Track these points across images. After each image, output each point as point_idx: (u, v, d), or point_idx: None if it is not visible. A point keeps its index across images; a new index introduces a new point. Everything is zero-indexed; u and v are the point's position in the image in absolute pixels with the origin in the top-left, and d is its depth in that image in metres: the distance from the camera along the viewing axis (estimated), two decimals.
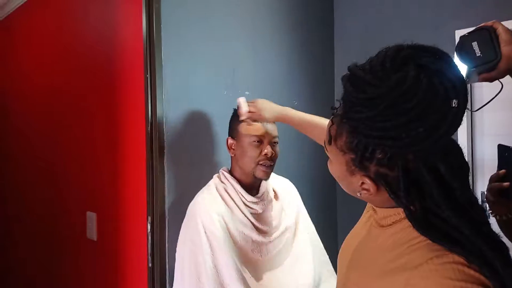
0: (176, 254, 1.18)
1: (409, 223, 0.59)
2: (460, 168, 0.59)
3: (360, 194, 0.64)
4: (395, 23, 1.91)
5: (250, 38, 1.63)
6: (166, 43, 1.29)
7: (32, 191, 2.04)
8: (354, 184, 0.63)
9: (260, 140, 1.18)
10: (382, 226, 0.66)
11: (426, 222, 0.57)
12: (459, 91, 0.54)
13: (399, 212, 0.63)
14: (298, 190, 1.38)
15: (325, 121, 1.09)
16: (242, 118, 1.18)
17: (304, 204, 1.37)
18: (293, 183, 1.40)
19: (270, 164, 1.19)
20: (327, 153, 0.68)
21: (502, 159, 1.01)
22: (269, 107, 1.17)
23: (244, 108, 1.17)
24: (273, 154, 1.19)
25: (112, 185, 1.47)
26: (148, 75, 1.27)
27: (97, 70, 1.56)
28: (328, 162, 0.69)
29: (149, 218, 1.27)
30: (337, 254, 0.80)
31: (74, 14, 1.71)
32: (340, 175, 0.66)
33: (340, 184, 0.68)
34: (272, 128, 1.20)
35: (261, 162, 1.17)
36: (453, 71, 0.55)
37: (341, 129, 0.61)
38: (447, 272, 0.52)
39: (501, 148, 1.01)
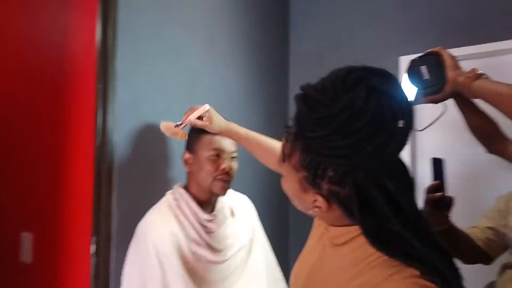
0: (123, 275, 1.12)
1: (365, 240, 0.60)
2: (407, 184, 0.61)
3: (313, 211, 0.64)
4: (346, 46, 2.02)
5: (209, 55, 1.63)
6: (121, 54, 1.24)
7: None
8: (307, 201, 0.63)
9: (218, 155, 1.16)
10: (336, 245, 0.66)
11: (380, 237, 0.58)
12: (406, 112, 0.56)
13: (352, 231, 0.63)
14: (256, 207, 1.37)
15: (267, 140, 1.13)
16: (187, 122, 1.13)
17: (260, 220, 1.36)
18: (250, 199, 1.38)
19: (228, 179, 1.17)
20: (280, 171, 0.68)
21: (436, 171, 1.08)
22: (218, 119, 1.15)
23: (197, 114, 1.13)
24: (231, 169, 1.17)
25: (53, 202, 1.36)
26: (101, 85, 1.21)
27: (45, 77, 1.46)
28: (282, 179, 0.69)
29: (94, 238, 1.18)
30: (290, 271, 0.79)
31: (24, 16, 1.59)
32: (293, 192, 0.66)
33: (293, 201, 0.68)
34: (230, 143, 1.18)
35: (218, 177, 1.15)
36: (400, 93, 0.57)
37: (294, 147, 0.62)
38: (407, 287, 0.54)
39: (434, 161, 1.09)
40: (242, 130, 1.15)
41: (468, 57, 1.68)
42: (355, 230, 0.62)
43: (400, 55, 1.83)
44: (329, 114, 0.55)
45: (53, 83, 1.42)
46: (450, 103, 0.96)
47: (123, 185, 1.25)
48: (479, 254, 1.12)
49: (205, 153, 1.15)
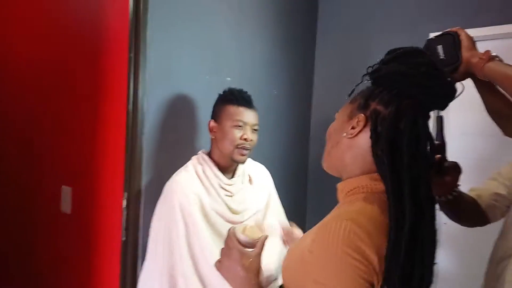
0: (151, 230, 1.22)
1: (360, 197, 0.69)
2: (425, 145, 0.70)
3: (346, 134, 0.73)
4: (375, 22, 1.98)
5: (236, 27, 1.66)
6: (152, 24, 1.31)
7: (7, 164, 2.02)
8: (345, 128, 0.74)
9: (241, 125, 1.23)
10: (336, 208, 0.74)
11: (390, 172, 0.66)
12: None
13: (362, 185, 0.71)
14: (272, 177, 1.45)
15: None
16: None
17: (276, 189, 1.44)
18: (268, 169, 1.46)
19: (248, 149, 1.25)
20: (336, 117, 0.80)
21: (438, 130, 1.00)
22: None
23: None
24: (251, 140, 1.25)
25: (90, 160, 1.49)
26: (132, 55, 1.29)
27: (81, 46, 1.55)
28: (330, 125, 0.79)
29: (126, 194, 1.30)
30: None
31: None
32: (336, 127, 0.77)
33: (327, 145, 0.78)
34: (253, 116, 1.26)
35: (239, 146, 1.23)
36: None
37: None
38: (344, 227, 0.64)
39: (437, 119, 1.01)
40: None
41: (498, 37, 1.64)
42: (363, 186, 0.70)
43: (430, 32, 1.79)
44: (398, 54, 0.72)
45: (89, 51, 1.50)
46: (468, 83, 0.97)
47: (152, 148, 1.35)
48: (481, 218, 1.09)
49: (229, 123, 1.23)
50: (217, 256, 0.92)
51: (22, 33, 1.94)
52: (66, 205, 1.59)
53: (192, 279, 1.14)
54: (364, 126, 0.71)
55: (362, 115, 0.71)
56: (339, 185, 0.76)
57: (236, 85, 1.31)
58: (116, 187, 1.35)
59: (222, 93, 1.30)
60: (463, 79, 0.93)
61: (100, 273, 1.43)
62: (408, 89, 0.70)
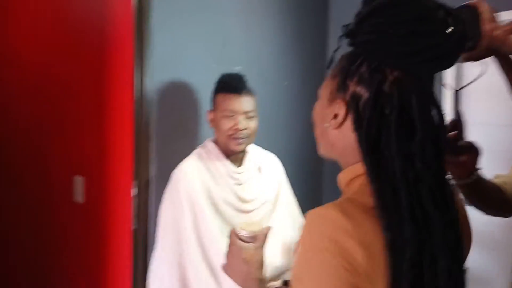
0: (159, 218, 1.22)
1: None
2: (433, 124, 0.55)
3: (329, 125, 0.60)
4: None
5: (244, 14, 1.63)
6: (157, 12, 1.29)
7: (21, 157, 2.06)
8: (328, 116, 0.60)
9: (232, 114, 1.18)
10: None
11: (374, 161, 0.54)
12: (457, 20, 0.54)
13: (355, 169, 0.59)
14: (287, 168, 1.40)
15: None
16: None
17: (291, 181, 1.39)
18: (281, 160, 1.41)
19: (242, 137, 1.18)
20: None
21: (455, 108, 0.93)
22: None
23: None
24: (246, 128, 1.18)
25: (100, 151, 1.51)
26: (138, 42, 1.28)
27: (87, 34, 1.56)
28: (314, 106, 0.67)
29: (135, 182, 1.30)
30: None
31: None
32: (319, 111, 0.64)
33: (315, 131, 0.66)
34: (246, 103, 1.19)
35: (233, 136, 1.18)
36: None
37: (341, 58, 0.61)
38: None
39: (456, 94, 0.90)
40: None
41: None
42: (357, 169, 0.58)
43: None
44: (382, 4, 0.54)
45: (95, 41, 1.51)
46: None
47: (160, 137, 1.34)
48: (504, 207, 1.01)
49: (219, 113, 1.19)
50: (225, 245, 0.90)
51: (31, 22, 1.96)
52: (78, 195, 1.60)
53: (201, 268, 1.14)
54: (347, 113, 0.57)
55: (342, 103, 0.57)
56: (339, 176, 0.65)
57: (246, 74, 1.27)
58: (126, 175, 1.35)
59: (216, 81, 1.25)
60: (485, 56, 0.87)
61: (112, 261, 1.45)
62: (391, 58, 0.53)
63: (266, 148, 1.35)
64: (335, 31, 2.10)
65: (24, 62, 2.00)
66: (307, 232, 0.54)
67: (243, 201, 1.24)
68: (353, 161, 0.59)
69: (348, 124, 0.58)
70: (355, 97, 0.56)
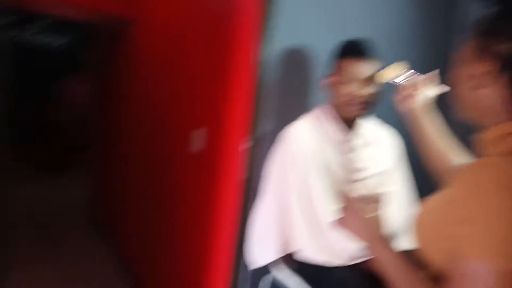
0: (267, 173, 1.29)
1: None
2: None
3: (470, 88, 0.62)
4: None
5: None
6: None
7: (146, 113, 2.36)
8: (470, 77, 0.62)
9: (357, 78, 1.17)
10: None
11: None
12: None
13: (503, 128, 0.61)
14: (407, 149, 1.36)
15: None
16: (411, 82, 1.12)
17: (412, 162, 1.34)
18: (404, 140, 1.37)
19: (363, 104, 1.18)
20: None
21: None
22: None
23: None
24: (367, 95, 1.18)
25: (219, 106, 1.65)
26: (264, 9, 1.36)
27: (213, 3, 1.69)
28: (453, 67, 0.68)
29: (250, 136, 1.42)
30: None
31: None
32: (459, 73, 0.66)
33: (454, 93, 0.67)
34: (368, 69, 1.18)
35: (353, 102, 1.18)
36: None
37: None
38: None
39: None
40: (430, 128, 1.04)
41: None
42: (508, 127, 0.60)
43: None
44: None
45: (224, 9, 1.63)
46: None
47: (276, 98, 1.42)
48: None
49: (342, 77, 1.18)
50: (330, 210, 0.92)
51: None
52: (195, 146, 1.79)
53: (303, 223, 1.18)
54: (492, 73, 0.58)
55: (487, 60, 0.58)
56: (483, 135, 0.65)
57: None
58: (241, 130, 1.48)
59: (341, 46, 1.24)
60: None
61: (221, 208, 1.60)
62: None
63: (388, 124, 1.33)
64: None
65: (160, 27, 2.25)
66: (477, 178, 0.56)
67: (354, 168, 1.23)
68: (497, 120, 0.62)
69: (491, 84, 0.59)
70: (506, 56, 0.57)
